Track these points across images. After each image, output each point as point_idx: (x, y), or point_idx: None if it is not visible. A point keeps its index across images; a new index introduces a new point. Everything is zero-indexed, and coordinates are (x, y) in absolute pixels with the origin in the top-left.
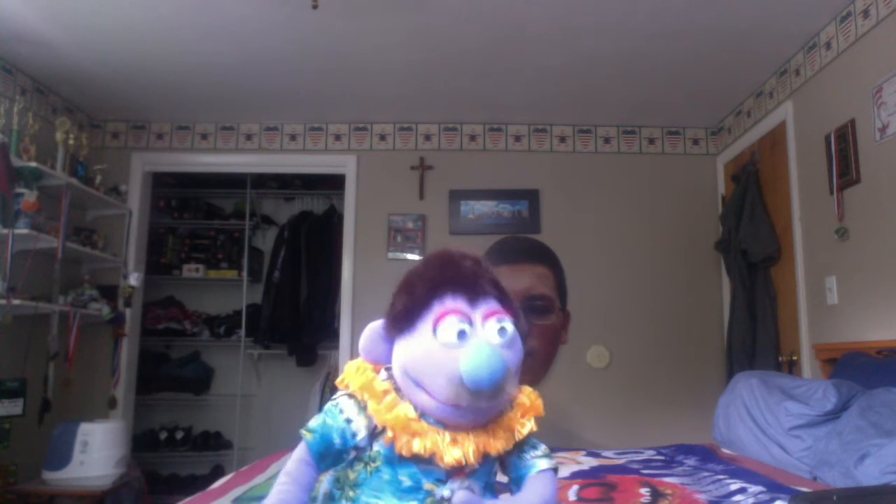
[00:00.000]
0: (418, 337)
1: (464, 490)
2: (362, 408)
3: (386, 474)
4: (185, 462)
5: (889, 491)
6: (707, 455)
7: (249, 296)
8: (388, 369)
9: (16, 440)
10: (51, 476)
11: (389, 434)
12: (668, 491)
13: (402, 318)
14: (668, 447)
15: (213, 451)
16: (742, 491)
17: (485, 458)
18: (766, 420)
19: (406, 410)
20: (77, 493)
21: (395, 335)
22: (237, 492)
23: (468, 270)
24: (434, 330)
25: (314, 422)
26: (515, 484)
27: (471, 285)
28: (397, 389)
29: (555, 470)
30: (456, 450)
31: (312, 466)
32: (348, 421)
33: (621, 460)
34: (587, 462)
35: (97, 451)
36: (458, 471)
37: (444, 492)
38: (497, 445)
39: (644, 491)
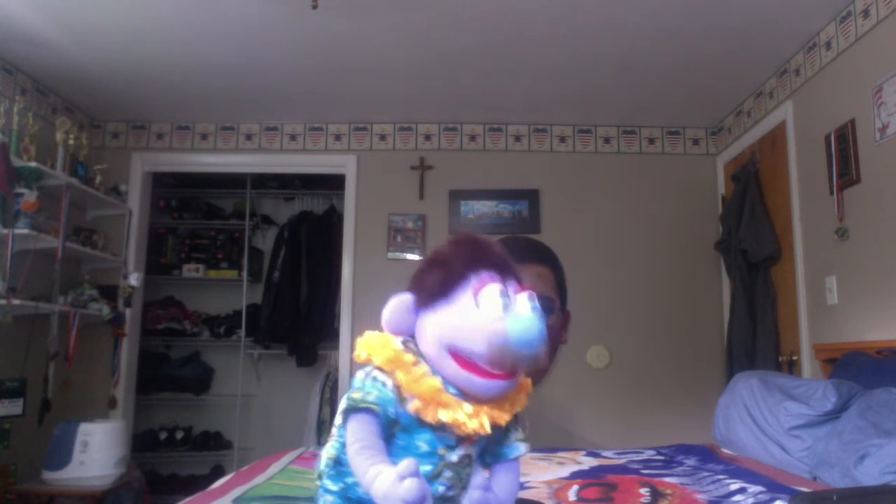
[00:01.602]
0: (457, 306)
1: (478, 490)
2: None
3: (402, 441)
4: (185, 462)
5: (889, 491)
6: (707, 455)
7: (249, 296)
8: (405, 342)
9: (16, 440)
10: (51, 476)
11: (416, 403)
12: (668, 491)
13: (438, 290)
14: (668, 447)
15: (213, 451)
16: (742, 491)
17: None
18: (766, 420)
19: (435, 382)
20: (77, 493)
21: (427, 307)
22: (237, 492)
23: (498, 251)
24: (475, 299)
25: (370, 395)
26: (493, 457)
27: (501, 265)
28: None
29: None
30: (474, 420)
31: (382, 439)
32: (393, 393)
33: (621, 460)
34: (587, 462)
35: (97, 451)
36: (468, 438)
37: (453, 457)
38: (504, 416)
39: (644, 491)
